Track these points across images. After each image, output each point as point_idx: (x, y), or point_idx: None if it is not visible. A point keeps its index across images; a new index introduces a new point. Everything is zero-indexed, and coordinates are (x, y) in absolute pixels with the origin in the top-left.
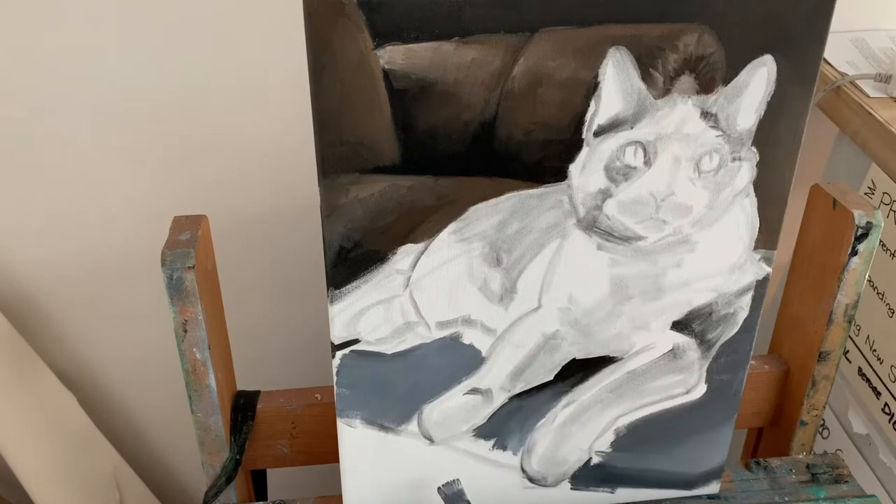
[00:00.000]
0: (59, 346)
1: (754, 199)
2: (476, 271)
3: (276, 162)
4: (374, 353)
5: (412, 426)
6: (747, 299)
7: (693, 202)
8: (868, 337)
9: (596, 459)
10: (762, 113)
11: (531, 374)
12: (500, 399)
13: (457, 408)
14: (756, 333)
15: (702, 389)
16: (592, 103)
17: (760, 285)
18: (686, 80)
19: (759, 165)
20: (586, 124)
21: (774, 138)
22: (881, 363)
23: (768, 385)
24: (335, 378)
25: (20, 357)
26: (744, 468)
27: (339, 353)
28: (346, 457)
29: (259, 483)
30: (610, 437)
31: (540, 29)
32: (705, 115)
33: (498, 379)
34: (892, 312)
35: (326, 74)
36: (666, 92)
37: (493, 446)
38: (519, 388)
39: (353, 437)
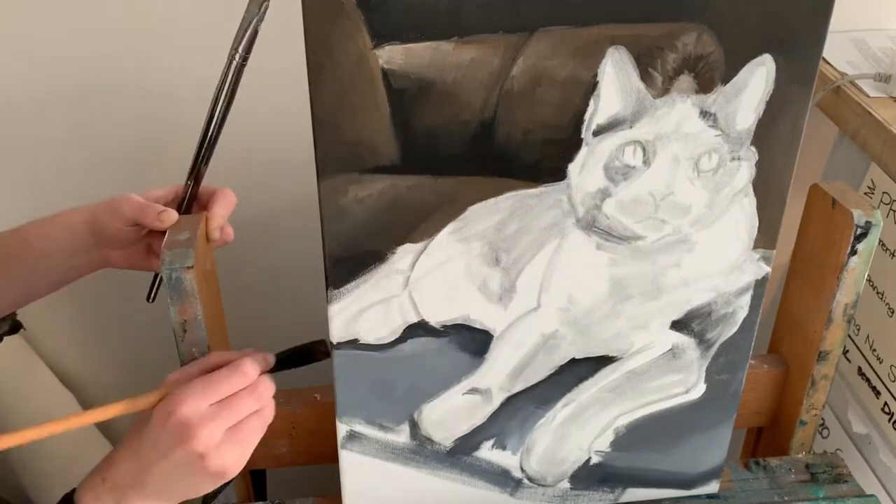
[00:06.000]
0: (59, 346)
1: (753, 199)
2: (475, 271)
3: (276, 162)
4: (374, 353)
5: (411, 426)
6: (746, 299)
7: (692, 201)
8: (868, 336)
9: (595, 459)
10: (761, 112)
11: (530, 374)
12: (499, 399)
13: (456, 408)
14: (755, 333)
15: (701, 389)
16: (591, 103)
17: (759, 285)
18: (685, 80)
19: (759, 165)
20: (585, 124)
21: (773, 138)
22: (881, 363)
23: (767, 385)
24: (335, 378)
25: (20, 357)
26: (743, 468)
27: (338, 353)
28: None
29: (258, 483)
30: (609, 436)
31: (539, 28)
32: (704, 114)
33: (497, 379)
34: (892, 312)
35: (325, 74)
36: (665, 91)
37: (493, 446)
38: (518, 388)
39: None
